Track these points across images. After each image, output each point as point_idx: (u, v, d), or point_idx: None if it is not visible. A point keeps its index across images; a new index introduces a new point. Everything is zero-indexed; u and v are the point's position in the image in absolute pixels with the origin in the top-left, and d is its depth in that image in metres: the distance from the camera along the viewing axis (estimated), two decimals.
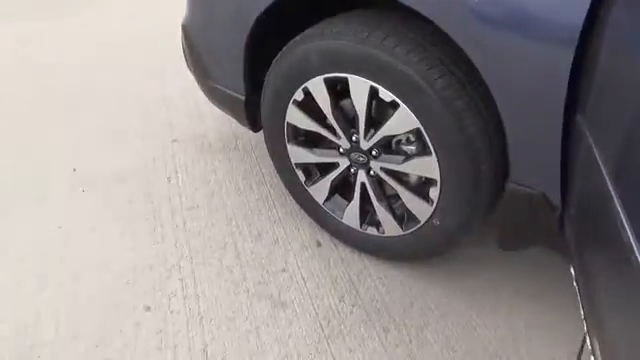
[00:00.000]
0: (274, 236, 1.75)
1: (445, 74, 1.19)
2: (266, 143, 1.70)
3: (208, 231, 1.79)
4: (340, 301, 1.53)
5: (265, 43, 1.52)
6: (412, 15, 1.17)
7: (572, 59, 0.96)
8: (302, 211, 1.78)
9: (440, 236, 1.42)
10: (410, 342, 1.41)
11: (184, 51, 1.82)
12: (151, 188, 1.98)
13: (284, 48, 1.45)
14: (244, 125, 1.76)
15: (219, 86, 1.72)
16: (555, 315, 1.44)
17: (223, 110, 1.83)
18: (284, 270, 1.63)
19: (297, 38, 1.40)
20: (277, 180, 1.84)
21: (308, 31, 1.38)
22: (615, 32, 0.87)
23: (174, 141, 2.24)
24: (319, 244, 1.72)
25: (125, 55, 2.90)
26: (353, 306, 1.52)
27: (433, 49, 1.21)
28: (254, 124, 1.73)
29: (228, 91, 1.69)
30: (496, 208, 1.31)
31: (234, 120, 1.83)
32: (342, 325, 1.46)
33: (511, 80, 1.06)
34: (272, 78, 1.52)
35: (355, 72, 1.31)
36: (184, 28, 1.74)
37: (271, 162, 1.74)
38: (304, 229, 1.77)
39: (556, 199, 1.13)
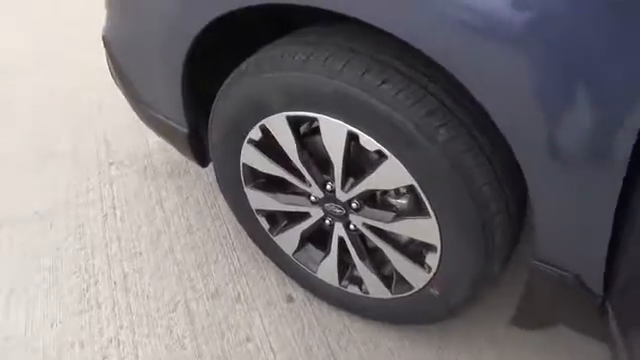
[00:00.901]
0: (235, 291, 1.45)
1: (449, 121, 0.89)
2: (219, 184, 1.38)
3: (154, 288, 1.47)
4: None
5: (209, 64, 1.18)
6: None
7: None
8: (267, 261, 1.48)
9: (439, 305, 1.15)
10: None
11: (109, 65, 1.45)
12: (82, 229, 1.64)
13: (232, 75, 1.12)
14: (190, 159, 1.42)
15: (155, 113, 1.37)
16: None
17: (165, 140, 1.49)
18: (248, 339, 1.34)
19: (250, 63, 1.07)
20: None
21: (261, 54, 1.05)
22: None
23: (111, 164, 1.88)
24: (290, 299, 1.43)
25: (49, 59, 2.48)
26: None
27: (432, 86, 0.90)
28: (203, 159, 1.40)
29: (166, 120, 1.34)
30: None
31: None
32: None
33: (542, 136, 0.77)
34: (220, 111, 1.18)
35: (328, 112, 0.99)
36: (105, 39, 1.37)
37: None
38: (271, 279, 1.47)
39: (597, 286, 0.87)
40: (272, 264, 1.48)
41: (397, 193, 1.09)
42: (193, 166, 1.85)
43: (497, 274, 1.05)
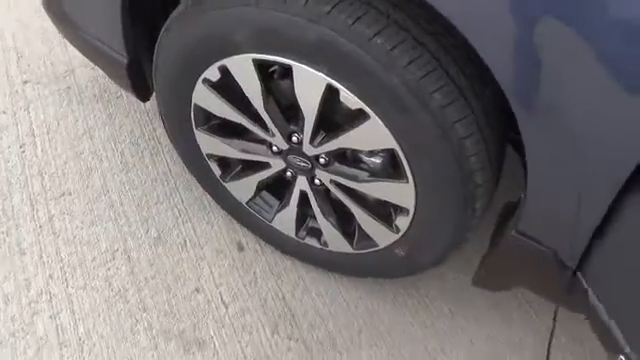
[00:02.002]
0: (180, 238, 1.34)
1: (445, 85, 0.79)
2: (163, 122, 1.21)
3: (87, 234, 1.32)
4: (273, 333, 1.22)
5: None
6: None
7: None
8: (215, 204, 1.37)
9: (402, 265, 1.12)
10: None
11: None
12: None
13: (186, 3, 0.93)
14: (128, 92, 1.23)
15: (88, 36, 1.14)
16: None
17: (100, 67, 1.27)
18: (197, 290, 1.26)
19: None
20: None
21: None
22: None
23: (26, 83, 1.61)
24: (240, 247, 1.34)
25: None
26: (290, 339, 1.21)
27: (433, 45, 0.78)
28: (145, 93, 1.21)
29: (102, 46, 1.13)
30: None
31: None
32: None
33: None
34: (169, 45, 1.00)
35: (306, 61, 0.85)
36: None
37: None
38: (219, 225, 1.37)
39: (572, 261, 0.86)
40: (221, 209, 1.38)
41: (371, 152, 1.00)
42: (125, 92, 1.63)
43: (467, 241, 1.02)
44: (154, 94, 1.18)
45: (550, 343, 1.22)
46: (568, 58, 0.63)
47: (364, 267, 1.19)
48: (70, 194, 1.39)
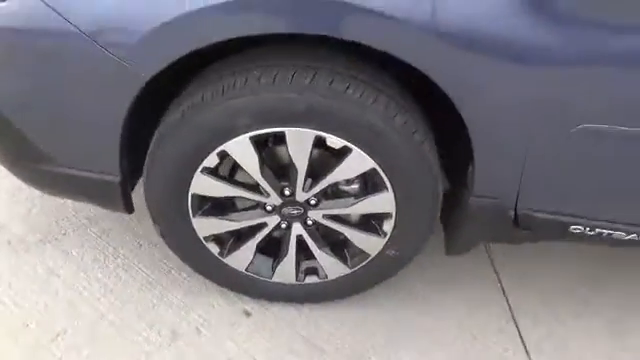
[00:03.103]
0: (192, 326, 1.43)
1: (399, 111, 1.14)
2: (157, 226, 1.35)
3: (104, 359, 1.34)
4: None
5: (150, 105, 1.16)
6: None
7: None
8: (206, 288, 1.50)
9: (394, 263, 1.40)
10: None
11: None
12: None
13: (181, 110, 1.14)
14: (116, 211, 1.34)
15: (67, 170, 1.25)
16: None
17: (72, 198, 1.36)
18: None
19: (209, 91, 1.11)
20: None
21: (220, 81, 1.11)
22: None
23: None
24: (247, 313, 1.48)
25: None
26: None
27: (383, 88, 1.13)
28: (131, 205, 1.34)
29: (87, 174, 1.25)
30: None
31: None
32: None
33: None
34: (165, 149, 1.19)
35: (296, 124, 1.13)
36: None
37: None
38: (220, 303, 1.49)
39: (511, 203, 1.23)
40: (212, 289, 1.51)
41: (347, 181, 1.29)
42: (69, 226, 1.67)
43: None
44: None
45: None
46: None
47: (363, 280, 1.44)
48: (65, 332, 1.39)
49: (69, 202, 1.71)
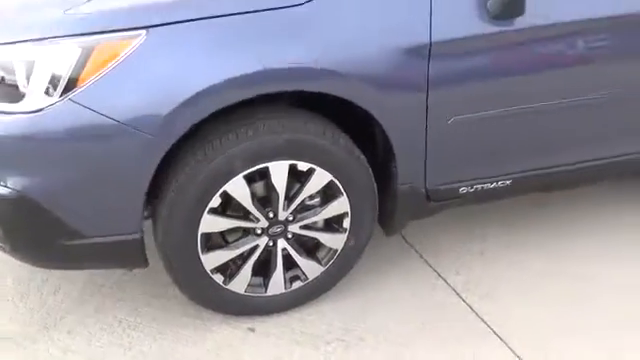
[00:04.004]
0: (215, 352, 1.71)
1: (340, 135, 1.65)
2: (172, 276, 1.65)
3: None
4: None
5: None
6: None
7: None
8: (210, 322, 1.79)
9: (354, 251, 1.85)
10: None
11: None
12: None
13: (190, 164, 1.51)
14: (134, 267, 1.60)
15: (94, 239, 1.50)
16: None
17: (94, 267, 1.58)
18: None
19: (210, 146, 1.50)
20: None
21: (225, 137, 1.51)
22: None
23: None
24: (252, 329, 1.80)
25: None
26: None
27: (327, 122, 1.64)
28: (146, 259, 1.61)
29: (113, 238, 1.52)
30: None
31: None
32: None
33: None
34: (177, 196, 1.52)
35: (277, 158, 1.57)
36: (23, 199, 1.40)
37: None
38: (223, 335, 1.78)
39: (423, 185, 1.81)
40: (215, 320, 1.79)
41: (311, 197, 1.74)
42: (64, 307, 1.82)
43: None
44: None
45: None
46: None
47: (335, 273, 1.86)
48: None
49: (51, 288, 1.87)
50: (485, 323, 1.84)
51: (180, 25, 1.40)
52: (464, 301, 1.93)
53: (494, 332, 1.80)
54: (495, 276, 2.06)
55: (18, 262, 1.63)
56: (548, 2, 1.66)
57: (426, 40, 1.55)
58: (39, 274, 1.95)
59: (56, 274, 1.94)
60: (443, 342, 1.76)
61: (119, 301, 1.86)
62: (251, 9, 1.43)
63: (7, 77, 1.40)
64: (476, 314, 1.87)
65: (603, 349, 1.73)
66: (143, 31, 1.37)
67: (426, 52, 1.56)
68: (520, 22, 1.62)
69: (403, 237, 2.24)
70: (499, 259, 2.14)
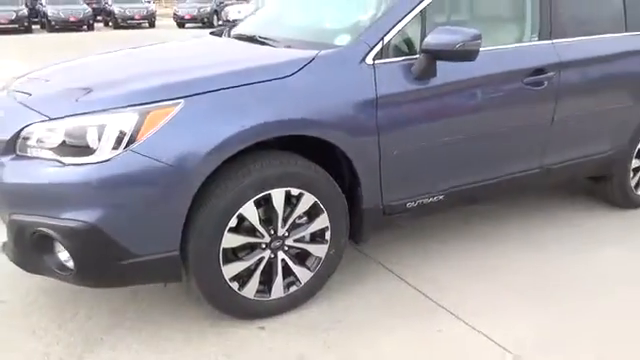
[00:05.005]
0: (227, 350, 2.14)
1: (319, 168, 2.25)
2: (199, 284, 2.10)
3: None
4: None
5: None
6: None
7: None
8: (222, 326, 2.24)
9: (336, 258, 2.40)
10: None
11: (81, 257, 1.89)
12: None
13: (216, 192, 2.02)
14: (171, 281, 2.05)
15: (143, 258, 1.95)
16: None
17: (140, 282, 2.01)
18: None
19: (231, 179, 2.03)
20: None
21: (240, 173, 2.05)
22: None
23: None
24: (262, 328, 2.26)
25: None
26: None
27: (310, 159, 2.24)
28: (181, 274, 2.07)
29: (159, 256, 1.97)
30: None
31: None
32: None
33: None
34: (205, 220, 2.02)
35: (275, 187, 2.13)
36: (93, 229, 1.85)
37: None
38: (240, 329, 2.23)
39: (380, 203, 2.42)
40: (226, 325, 2.23)
41: (299, 217, 2.29)
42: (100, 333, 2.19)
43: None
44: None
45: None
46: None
47: (321, 277, 2.39)
48: None
49: (83, 317, 2.24)
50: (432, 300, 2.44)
51: (207, 95, 1.98)
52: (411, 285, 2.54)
53: (441, 306, 2.40)
54: (434, 265, 2.70)
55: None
56: (451, 68, 2.40)
57: (373, 95, 2.23)
58: (69, 308, 2.32)
59: (85, 306, 2.31)
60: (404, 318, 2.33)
61: (144, 321, 2.26)
62: (257, 80, 2.05)
63: (75, 141, 1.89)
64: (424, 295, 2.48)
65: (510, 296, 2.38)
66: (182, 100, 1.94)
67: (374, 104, 2.24)
68: (433, 81, 2.36)
69: (359, 250, 2.83)
70: (437, 256, 2.79)
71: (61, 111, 1.95)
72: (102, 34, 18.32)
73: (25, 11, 18.84)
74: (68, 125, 1.91)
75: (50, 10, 19.14)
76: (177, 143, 1.92)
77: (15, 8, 18.48)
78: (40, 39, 16.47)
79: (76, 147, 1.89)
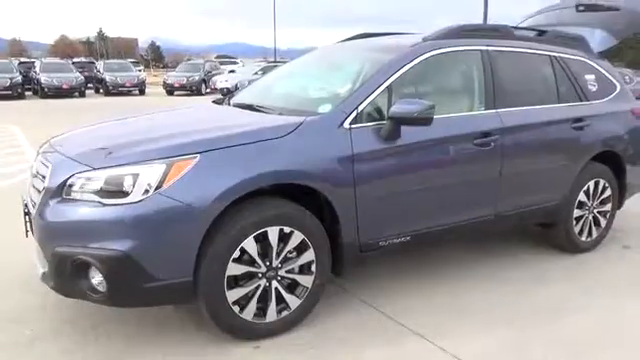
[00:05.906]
0: None
1: (307, 212, 2.75)
2: (207, 306, 2.52)
3: None
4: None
5: None
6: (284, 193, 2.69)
7: None
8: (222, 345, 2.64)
9: (320, 288, 2.85)
10: None
11: (112, 281, 2.32)
12: None
13: (223, 230, 2.50)
14: (183, 303, 2.47)
15: (162, 282, 2.39)
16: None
17: (157, 304, 2.43)
18: None
19: (236, 221, 2.51)
20: None
21: (243, 213, 2.53)
22: None
23: None
24: (257, 347, 2.66)
25: None
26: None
27: (298, 204, 2.74)
28: (192, 297, 2.49)
29: (177, 281, 2.41)
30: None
31: None
32: None
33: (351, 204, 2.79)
34: (214, 251, 2.48)
35: (271, 225, 2.61)
36: (126, 256, 2.29)
37: None
38: (236, 347, 2.63)
39: (357, 240, 2.91)
40: (224, 345, 2.63)
41: (289, 251, 2.76)
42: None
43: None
44: None
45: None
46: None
47: (309, 304, 2.81)
48: None
49: (104, 339, 2.62)
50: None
51: (218, 151, 2.50)
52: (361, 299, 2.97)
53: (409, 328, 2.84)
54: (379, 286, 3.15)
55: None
56: (413, 131, 2.97)
57: (350, 153, 2.78)
58: (92, 333, 2.70)
59: (102, 331, 2.70)
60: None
61: (155, 342, 2.65)
62: (257, 140, 2.59)
63: (113, 187, 2.38)
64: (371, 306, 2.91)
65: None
66: (198, 155, 2.46)
67: (351, 159, 2.78)
68: (399, 141, 2.93)
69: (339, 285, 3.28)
70: (387, 277, 3.25)
71: (101, 163, 2.45)
72: (94, 100, 19.04)
73: (19, 78, 19.54)
74: (108, 174, 2.40)
75: (44, 77, 19.85)
76: (194, 188, 2.41)
77: (9, 75, 19.17)
78: (37, 104, 17.12)
79: (113, 192, 2.37)
